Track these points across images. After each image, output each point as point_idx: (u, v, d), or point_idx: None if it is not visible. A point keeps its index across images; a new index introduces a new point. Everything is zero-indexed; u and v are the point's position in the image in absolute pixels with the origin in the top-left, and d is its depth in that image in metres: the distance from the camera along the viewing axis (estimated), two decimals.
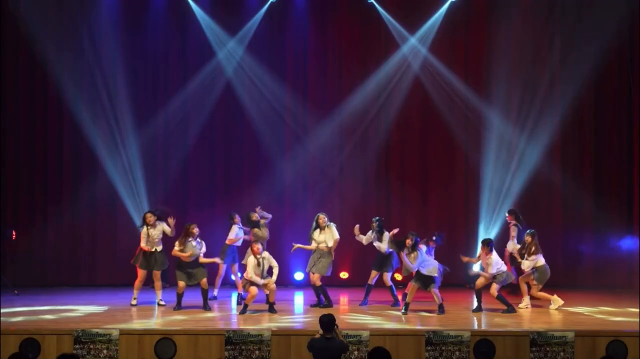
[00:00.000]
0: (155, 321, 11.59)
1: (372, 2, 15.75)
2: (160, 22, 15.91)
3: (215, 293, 13.57)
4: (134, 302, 12.67)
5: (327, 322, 8.63)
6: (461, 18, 15.88)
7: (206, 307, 12.34)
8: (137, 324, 11.08)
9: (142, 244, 12.63)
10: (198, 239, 12.47)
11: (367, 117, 15.91)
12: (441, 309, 11.97)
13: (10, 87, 15.64)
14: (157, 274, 12.71)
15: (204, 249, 12.53)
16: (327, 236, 12.70)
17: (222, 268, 13.54)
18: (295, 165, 15.79)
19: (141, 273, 12.68)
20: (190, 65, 15.88)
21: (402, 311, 12.00)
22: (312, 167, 15.86)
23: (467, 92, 15.77)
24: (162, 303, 12.67)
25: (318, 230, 12.76)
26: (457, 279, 14.79)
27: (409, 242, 12.00)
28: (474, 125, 15.79)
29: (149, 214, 12.84)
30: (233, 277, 13.77)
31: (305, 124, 15.91)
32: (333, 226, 12.80)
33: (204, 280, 12.41)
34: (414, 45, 15.83)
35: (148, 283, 13.04)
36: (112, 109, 15.57)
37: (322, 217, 12.79)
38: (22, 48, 15.53)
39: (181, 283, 12.35)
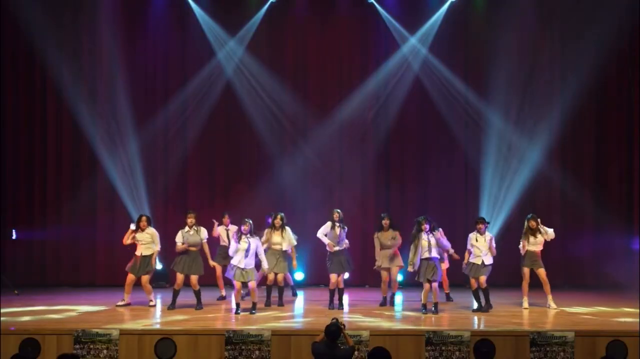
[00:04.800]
0: (155, 321, 11.58)
1: (372, 2, 15.76)
2: (160, 22, 15.92)
3: (223, 293, 13.58)
4: (120, 303, 12.64)
5: (332, 333, 8.52)
6: (461, 18, 15.91)
7: (197, 306, 12.41)
8: (137, 324, 11.06)
9: (124, 240, 12.74)
10: (194, 228, 12.53)
11: (367, 117, 15.93)
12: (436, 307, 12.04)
13: (9, 86, 15.65)
14: (144, 279, 12.67)
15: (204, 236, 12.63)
16: (282, 239, 12.73)
17: (219, 269, 13.55)
18: (295, 165, 15.79)
19: (128, 276, 12.72)
20: (190, 65, 15.88)
21: (433, 309, 11.97)
22: (312, 167, 15.85)
23: (467, 92, 15.79)
24: (153, 303, 12.71)
25: (272, 230, 12.77)
26: (457, 278, 14.79)
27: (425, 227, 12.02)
28: (474, 125, 15.80)
29: (144, 218, 12.82)
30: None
31: (305, 124, 15.92)
32: (289, 229, 12.83)
33: (194, 278, 12.43)
34: (414, 45, 15.84)
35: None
36: (112, 109, 15.58)
37: (278, 219, 12.80)
38: (22, 47, 15.54)
39: (179, 276, 12.40)
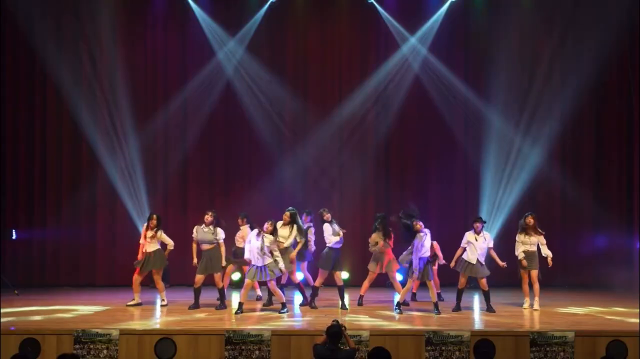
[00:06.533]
0: (155, 321, 11.59)
1: (372, 2, 15.76)
2: (160, 22, 15.92)
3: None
4: (131, 303, 12.68)
5: (333, 334, 8.50)
6: (461, 18, 15.90)
7: (219, 306, 12.44)
8: (137, 324, 11.08)
9: (141, 241, 12.74)
10: (211, 227, 12.52)
11: (367, 117, 15.94)
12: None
13: (9, 86, 15.64)
14: (155, 274, 12.69)
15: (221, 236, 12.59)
16: (289, 235, 12.77)
17: (229, 268, 13.58)
18: (295, 165, 15.79)
19: (135, 274, 12.72)
20: (190, 65, 15.88)
21: (436, 311, 12.01)
22: (312, 167, 15.86)
23: (467, 92, 15.78)
24: (164, 303, 12.70)
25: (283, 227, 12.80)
26: (456, 279, 14.80)
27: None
28: (474, 125, 15.80)
29: (153, 216, 12.83)
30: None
31: (305, 123, 15.91)
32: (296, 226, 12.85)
33: (217, 276, 12.45)
34: (414, 45, 15.84)
35: (148, 283, 13.04)
36: (112, 109, 15.56)
37: (287, 215, 12.82)
38: (22, 47, 15.53)
39: (197, 275, 12.44)
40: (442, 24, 15.77)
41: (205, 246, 12.51)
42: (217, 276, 12.48)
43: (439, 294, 13.25)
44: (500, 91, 15.59)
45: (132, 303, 12.67)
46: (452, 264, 12.50)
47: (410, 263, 12.12)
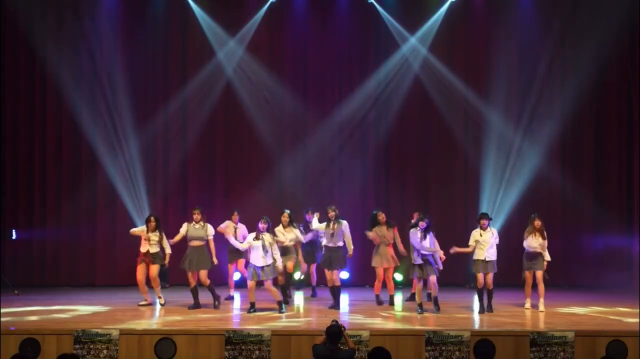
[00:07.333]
0: (155, 321, 11.58)
1: (372, 2, 15.76)
2: (160, 22, 15.91)
3: (231, 292, 13.59)
4: (142, 303, 12.65)
5: (332, 334, 8.47)
6: (461, 18, 15.90)
7: (215, 304, 12.43)
8: (137, 324, 11.07)
9: (141, 249, 12.69)
10: (201, 223, 12.52)
11: (367, 117, 15.93)
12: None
13: (9, 86, 15.62)
14: (153, 272, 12.63)
15: (209, 232, 12.58)
16: (287, 235, 12.76)
17: (231, 268, 13.56)
18: (295, 164, 15.79)
19: (138, 276, 12.67)
20: (190, 65, 15.88)
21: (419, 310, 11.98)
22: (312, 167, 15.86)
23: (467, 92, 15.78)
24: (162, 301, 12.68)
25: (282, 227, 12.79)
26: (457, 278, 14.81)
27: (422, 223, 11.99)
28: (474, 125, 15.80)
29: (152, 218, 12.81)
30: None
31: (305, 123, 15.91)
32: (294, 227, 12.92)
33: (203, 273, 12.43)
34: (414, 45, 15.84)
35: (148, 283, 13.01)
36: (112, 109, 15.55)
37: (286, 215, 12.84)
38: (22, 47, 15.52)
39: (190, 275, 12.42)
40: (442, 24, 15.77)
41: (195, 243, 12.51)
42: (203, 273, 12.44)
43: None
44: (500, 91, 15.59)
45: (143, 303, 12.65)
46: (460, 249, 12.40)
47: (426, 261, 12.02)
